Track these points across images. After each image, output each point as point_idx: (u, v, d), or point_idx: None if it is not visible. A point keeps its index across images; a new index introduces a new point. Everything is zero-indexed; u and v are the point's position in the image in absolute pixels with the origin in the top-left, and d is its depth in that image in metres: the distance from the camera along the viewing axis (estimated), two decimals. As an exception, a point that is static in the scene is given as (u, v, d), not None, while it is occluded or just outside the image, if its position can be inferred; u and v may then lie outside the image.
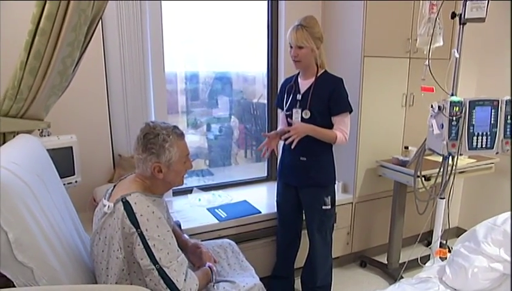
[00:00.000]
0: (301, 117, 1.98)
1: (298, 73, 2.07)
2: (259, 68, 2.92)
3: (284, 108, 2.07)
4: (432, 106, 1.91)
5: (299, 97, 2.01)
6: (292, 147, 1.87)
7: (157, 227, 1.27)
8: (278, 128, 2.17)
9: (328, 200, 2.05)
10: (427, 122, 1.97)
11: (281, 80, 2.79)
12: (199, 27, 2.93)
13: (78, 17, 1.45)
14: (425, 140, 2.04)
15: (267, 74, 2.86)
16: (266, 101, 2.93)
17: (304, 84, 2.02)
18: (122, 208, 1.27)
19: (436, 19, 1.87)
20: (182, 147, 1.41)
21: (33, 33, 1.41)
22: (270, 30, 2.76)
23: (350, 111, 1.98)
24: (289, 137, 1.86)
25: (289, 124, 2.02)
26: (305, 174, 2.04)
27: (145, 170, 1.38)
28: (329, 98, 1.93)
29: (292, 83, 2.08)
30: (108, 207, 1.31)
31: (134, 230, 1.25)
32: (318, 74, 1.98)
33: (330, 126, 1.98)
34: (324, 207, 2.04)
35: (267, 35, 2.79)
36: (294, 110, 2.00)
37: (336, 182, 2.14)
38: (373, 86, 2.53)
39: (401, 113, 2.73)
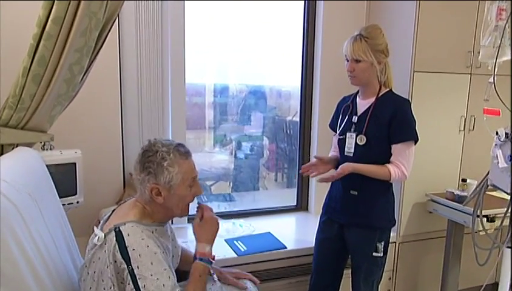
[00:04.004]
0: (355, 143, 1.85)
1: (358, 92, 1.95)
2: (295, 82, 2.85)
3: (337, 131, 1.95)
4: (497, 133, 1.73)
5: (355, 119, 1.87)
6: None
7: (151, 264, 1.20)
8: (330, 153, 2.05)
9: (381, 246, 1.87)
10: (490, 152, 1.79)
11: (316, 93, 2.71)
12: (232, 37, 2.91)
13: (89, 20, 1.43)
14: (488, 173, 1.85)
15: (300, 86, 2.78)
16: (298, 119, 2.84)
17: (362, 105, 1.89)
18: (115, 239, 1.21)
19: (505, 26, 1.70)
20: (186, 168, 1.33)
21: (38, 37, 1.41)
22: (306, 33, 2.69)
23: (416, 141, 1.83)
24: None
25: (340, 150, 1.92)
26: (354, 211, 1.88)
27: (143, 192, 1.32)
28: (389, 123, 1.79)
29: (348, 103, 1.95)
30: (99, 238, 1.24)
31: (125, 265, 1.18)
32: (380, 94, 1.85)
33: (389, 156, 1.82)
34: (375, 254, 1.86)
35: (302, 40, 2.72)
36: (348, 134, 1.87)
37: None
38: (424, 107, 2.37)
39: (458, 139, 2.55)
